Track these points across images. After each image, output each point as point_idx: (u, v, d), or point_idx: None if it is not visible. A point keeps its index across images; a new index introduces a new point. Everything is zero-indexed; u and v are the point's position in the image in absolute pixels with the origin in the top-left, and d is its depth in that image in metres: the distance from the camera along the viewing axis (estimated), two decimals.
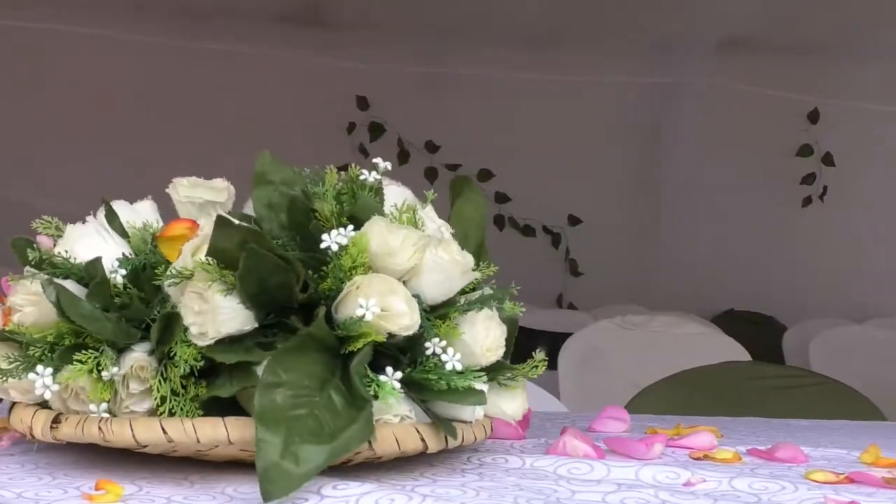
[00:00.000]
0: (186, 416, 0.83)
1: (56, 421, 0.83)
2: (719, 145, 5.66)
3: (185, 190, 0.97)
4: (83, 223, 0.91)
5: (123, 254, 0.89)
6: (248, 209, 0.96)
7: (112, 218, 0.92)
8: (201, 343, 0.82)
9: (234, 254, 0.81)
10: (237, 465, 0.85)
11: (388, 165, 0.94)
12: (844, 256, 5.51)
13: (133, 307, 0.85)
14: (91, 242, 0.89)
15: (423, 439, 0.83)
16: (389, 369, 0.82)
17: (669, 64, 5.69)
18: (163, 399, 0.82)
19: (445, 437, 0.84)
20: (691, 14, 5.26)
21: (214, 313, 0.81)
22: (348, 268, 0.83)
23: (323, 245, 0.83)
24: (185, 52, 5.19)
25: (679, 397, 1.92)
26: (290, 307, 0.84)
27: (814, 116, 5.74)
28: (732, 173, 5.64)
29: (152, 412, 0.84)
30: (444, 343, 0.84)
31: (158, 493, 0.80)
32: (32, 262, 0.89)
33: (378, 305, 0.81)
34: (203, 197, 0.97)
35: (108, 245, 0.89)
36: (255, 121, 5.17)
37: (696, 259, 5.58)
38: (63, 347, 0.83)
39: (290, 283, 0.83)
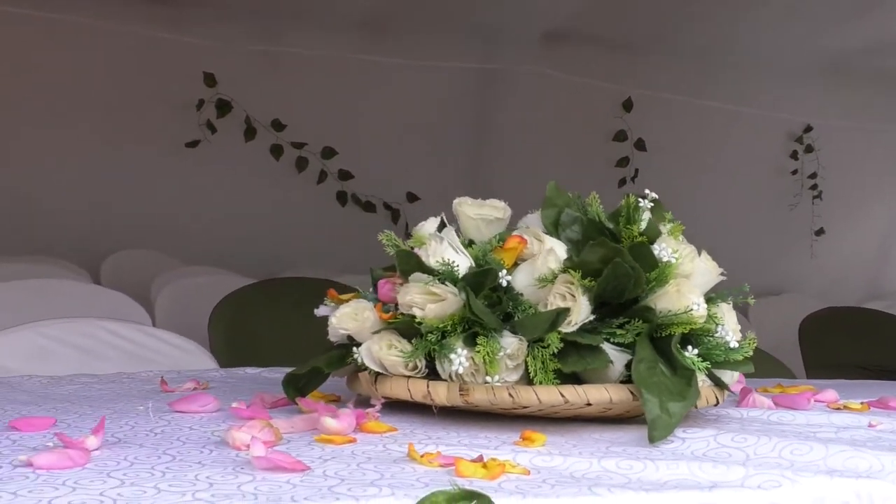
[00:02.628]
0: (546, 384, 1.12)
1: (461, 390, 1.10)
2: (543, 130, 6.13)
3: (474, 209, 1.25)
4: (437, 239, 1.17)
5: (471, 264, 1.16)
6: (533, 222, 1.24)
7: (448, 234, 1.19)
8: (568, 330, 1.11)
9: (594, 265, 1.11)
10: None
11: (655, 195, 1.25)
12: None
13: (502, 305, 1.13)
14: (449, 255, 1.15)
15: (716, 396, 1.17)
16: (689, 347, 1.15)
17: (497, 52, 6.07)
18: (535, 372, 1.11)
19: (716, 395, 1.19)
20: (518, 6, 5.69)
21: (578, 307, 1.11)
22: (670, 274, 1.14)
23: (660, 255, 1.14)
24: (31, 23, 5.10)
25: None
26: (613, 302, 1.15)
27: (627, 105, 6.32)
28: (555, 156, 6.12)
29: (518, 382, 1.13)
30: (728, 328, 1.17)
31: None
32: (411, 271, 1.14)
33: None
34: (493, 215, 1.24)
35: (460, 257, 1.16)
36: (103, 96, 5.20)
37: None
38: (466, 333, 1.10)
39: (626, 286, 1.13)
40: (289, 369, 1.28)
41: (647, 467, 0.95)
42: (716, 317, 1.18)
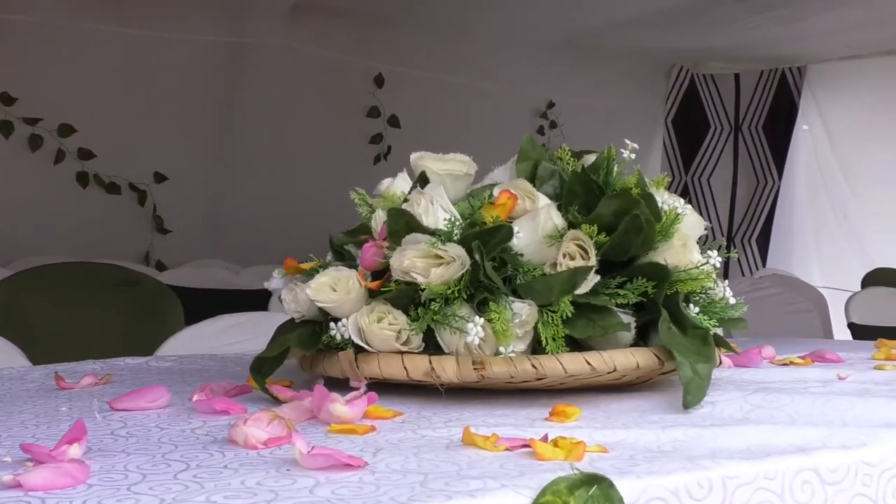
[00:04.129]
0: (557, 352, 1.01)
1: (475, 364, 0.96)
2: (295, 105, 5.96)
3: (439, 164, 1.11)
4: (425, 196, 1.02)
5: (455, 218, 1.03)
6: (503, 177, 1.12)
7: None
8: (580, 291, 1.00)
9: (606, 218, 1.01)
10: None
11: (637, 146, 1.16)
12: None
13: (506, 267, 1.01)
14: (442, 212, 1.01)
15: (718, 356, 1.10)
16: (691, 304, 1.07)
17: (245, 25, 5.83)
18: (547, 340, 0.99)
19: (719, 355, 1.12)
20: None
21: (593, 266, 1.00)
22: (674, 227, 1.06)
23: (662, 206, 1.05)
24: None
25: None
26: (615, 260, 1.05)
27: (379, 80, 6.26)
28: (307, 132, 5.98)
29: (526, 351, 1.01)
30: (726, 283, 1.11)
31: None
32: (404, 231, 0.99)
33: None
34: (460, 170, 1.11)
35: (447, 213, 1.02)
36: None
37: (269, 215, 5.86)
38: (476, 301, 0.97)
39: (632, 242, 1.04)
40: (169, 358, 1.09)
41: (718, 435, 0.87)
42: (712, 265, 1.12)
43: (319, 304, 1.03)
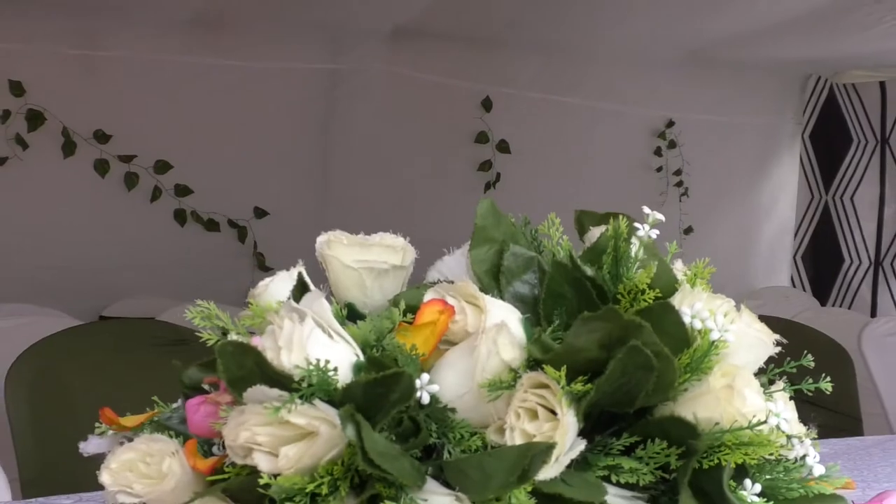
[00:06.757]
0: None
1: None
2: (399, 133, 5.73)
3: (352, 253, 0.72)
4: (298, 318, 0.63)
5: (357, 356, 0.64)
6: (454, 269, 0.73)
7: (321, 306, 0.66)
8: (545, 477, 0.60)
9: (588, 353, 0.61)
10: None
11: (661, 217, 0.75)
12: None
13: (421, 435, 0.61)
14: (318, 343, 0.62)
15: None
16: (748, 481, 0.65)
17: (345, 51, 5.65)
18: None
19: None
20: (364, 1, 5.25)
21: (564, 435, 0.60)
22: (709, 359, 0.65)
23: (691, 323, 0.64)
24: None
25: None
26: (617, 414, 0.65)
27: (487, 104, 5.94)
28: (413, 160, 5.73)
29: None
30: (807, 443, 0.69)
31: None
32: (247, 378, 0.60)
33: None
34: (386, 261, 0.72)
35: (336, 345, 0.63)
36: None
37: None
38: (360, 498, 0.57)
39: (642, 387, 0.63)
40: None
41: None
42: (782, 424, 0.69)
43: (121, 498, 0.65)
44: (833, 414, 2.65)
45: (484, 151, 5.97)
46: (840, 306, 6.58)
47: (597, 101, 6.23)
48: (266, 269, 5.55)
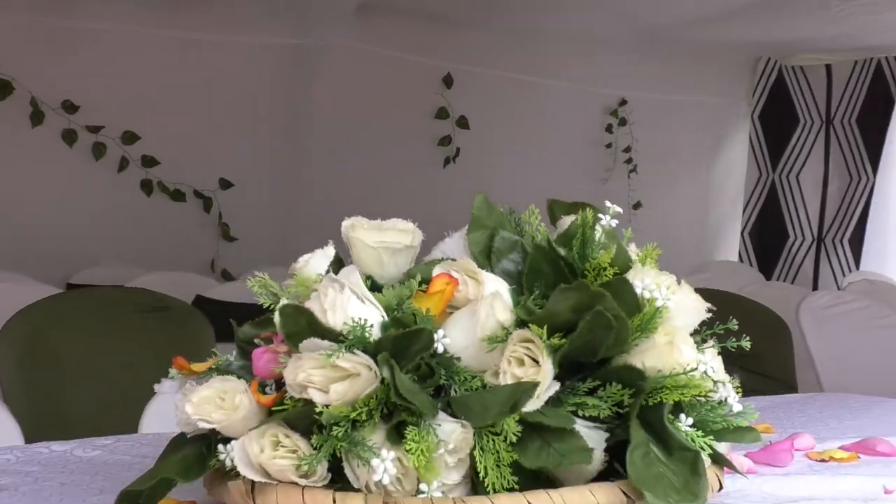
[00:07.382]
0: (505, 486, 0.79)
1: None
2: (362, 107, 5.82)
3: (373, 235, 0.90)
4: (334, 285, 0.81)
5: (383, 317, 0.82)
6: (454, 249, 0.91)
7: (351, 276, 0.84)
8: (530, 408, 0.79)
9: (563, 315, 0.79)
10: None
11: (619, 209, 0.94)
12: None
13: (435, 377, 0.80)
14: (355, 308, 0.80)
15: (718, 479, 0.87)
16: (683, 415, 0.85)
17: (310, 26, 5.71)
18: (486, 470, 0.78)
19: (718, 478, 0.88)
20: None
21: (545, 377, 0.79)
22: (660, 320, 0.84)
23: (642, 293, 0.83)
24: None
25: None
26: (582, 363, 0.83)
27: (448, 80, 6.07)
28: (375, 135, 5.83)
29: (462, 483, 0.80)
30: (730, 385, 0.88)
31: None
32: (302, 333, 0.78)
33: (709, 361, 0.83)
34: (400, 242, 0.90)
35: (367, 308, 0.81)
36: None
37: (339, 221, 5.72)
38: (389, 424, 0.76)
39: (603, 342, 0.82)
40: (103, 439, 0.92)
41: None
42: (709, 371, 0.88)
43: (201, 424, 0.84)
44: (771, 380, 2.88)
45: (444, 127, 6.10)
46: (784, 280, 6.82)
47: (553, 79, 6.37)
48: (231, 239, 5.67)
